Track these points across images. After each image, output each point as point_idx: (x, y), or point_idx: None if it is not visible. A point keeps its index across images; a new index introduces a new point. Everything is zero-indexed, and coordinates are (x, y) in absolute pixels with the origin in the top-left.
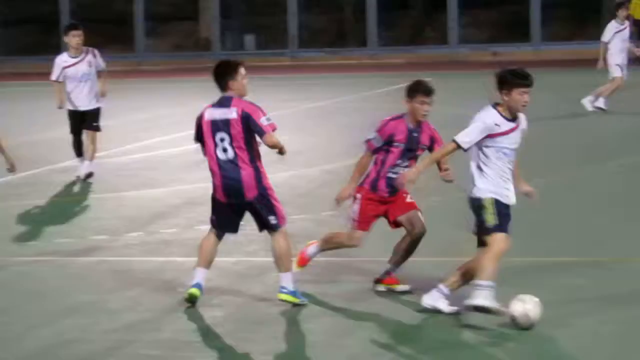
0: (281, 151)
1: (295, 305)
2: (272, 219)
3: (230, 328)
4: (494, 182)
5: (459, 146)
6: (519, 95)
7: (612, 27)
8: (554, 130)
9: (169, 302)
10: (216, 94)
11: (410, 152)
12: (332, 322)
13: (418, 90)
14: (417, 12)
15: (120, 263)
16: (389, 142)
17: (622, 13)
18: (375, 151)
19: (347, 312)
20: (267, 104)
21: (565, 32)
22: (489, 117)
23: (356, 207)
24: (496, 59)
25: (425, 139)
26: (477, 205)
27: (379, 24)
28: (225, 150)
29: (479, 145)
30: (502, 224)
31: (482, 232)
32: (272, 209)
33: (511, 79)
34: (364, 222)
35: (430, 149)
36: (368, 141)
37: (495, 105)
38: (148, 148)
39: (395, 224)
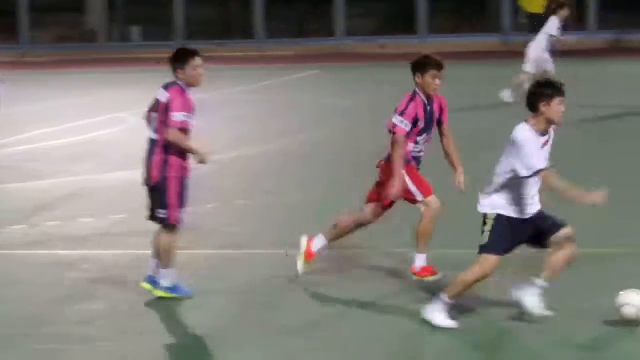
0: (199, 158)
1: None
2: (160, 213)
3: (117, 320)
4: (506, 198)
5: (538, 172)
6: (558, 106)
7: (553, 23)
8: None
9: (56, 296)
10: (97, 86)
11: (428, 128)
12: (218, 315)
13: (430, 64)
14: (304, 4)
15: (5, 257)
16: (414, 123)
17: (563, 13)
18: (407, 135)
19: (234, 305)
20: (154, 95)
21: (450, 25)
22: (527, 132)
23: (407, 180)
24: (384, 51)
25: (436, 109)
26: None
27: (266, 15)
28: (153, 130)
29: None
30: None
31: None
32: (164, 203)
33: (551, 89)
34: (424, 187)
35: (440, 119)
36: (396, 127)
37: (526, 122)
38: (31, 140)
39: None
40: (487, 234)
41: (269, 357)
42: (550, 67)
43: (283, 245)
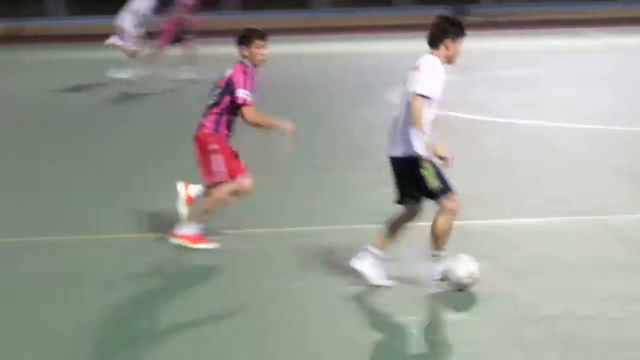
0: None
1: None
2: None
3: None
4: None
5: (424, 97)
6: (460, 46)
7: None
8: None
9: None
10: None
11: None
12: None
13: (253, 36)
14: None
15: None
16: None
17: None
18: (236, 107)
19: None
20: None
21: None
22: (439, 65)
23: (219, 158)
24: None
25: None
26: (414, 164)
27: None
28: None
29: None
30: (446, 183)
31: (428, 196)
32: None
33: (460, 29)
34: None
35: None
36: (246, 100)
37: (431, 54)
38: None
39: None
40: (433, 177)
41: None
42: (130, 44)
43: None
